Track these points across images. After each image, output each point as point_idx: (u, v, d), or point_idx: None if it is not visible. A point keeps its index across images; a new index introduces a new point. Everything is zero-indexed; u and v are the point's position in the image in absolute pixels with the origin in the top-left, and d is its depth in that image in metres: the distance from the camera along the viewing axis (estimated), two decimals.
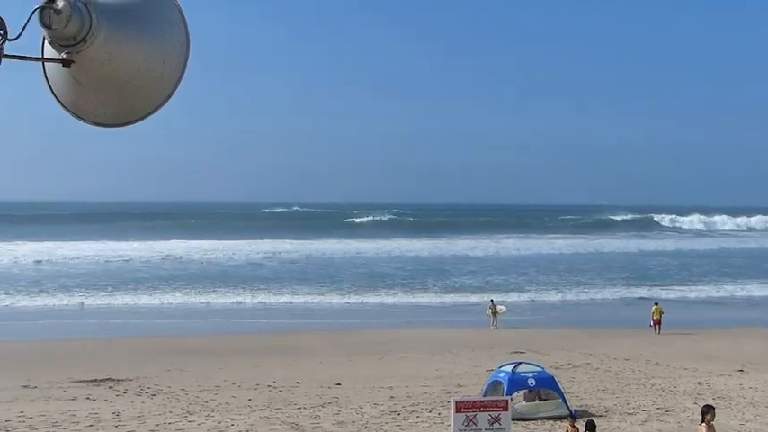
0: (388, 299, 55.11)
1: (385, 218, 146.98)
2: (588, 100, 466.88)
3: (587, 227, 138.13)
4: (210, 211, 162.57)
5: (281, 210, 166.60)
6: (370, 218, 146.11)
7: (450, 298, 55.80)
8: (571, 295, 57.62)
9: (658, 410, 24.72)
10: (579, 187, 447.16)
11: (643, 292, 58.47)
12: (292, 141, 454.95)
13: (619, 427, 22.82)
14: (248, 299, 54.08)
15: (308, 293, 56.50)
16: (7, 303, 50.35)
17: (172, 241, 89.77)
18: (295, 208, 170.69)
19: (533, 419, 23.45)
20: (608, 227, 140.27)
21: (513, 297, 55.21)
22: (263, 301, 53.74)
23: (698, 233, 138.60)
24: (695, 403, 24.57)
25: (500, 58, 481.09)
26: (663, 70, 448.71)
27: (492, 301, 46.73)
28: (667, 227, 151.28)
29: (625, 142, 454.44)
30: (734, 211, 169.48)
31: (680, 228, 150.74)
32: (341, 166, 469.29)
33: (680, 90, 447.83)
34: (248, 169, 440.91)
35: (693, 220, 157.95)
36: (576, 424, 19.84)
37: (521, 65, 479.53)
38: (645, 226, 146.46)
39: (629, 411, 24.63)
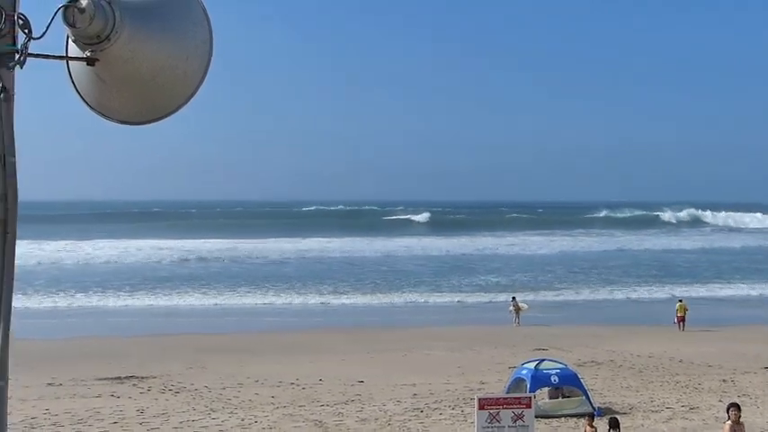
0: (411, 296, 55.00)
1: (409, 216, 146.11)
2: (592, 100, 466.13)
3: (612, 224, 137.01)
4: (235, 210, 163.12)
5: (301, 209, 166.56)
6: (392, 216, 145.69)
7: (474, 296, 55.55)
8: (595, 293, 57.22)
9: (683, 408, 24.58)
10: (582, 186, 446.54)
11: (670, 289, 57.82)
12: (295, 142, 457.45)
13: (643, 425, 22.71)
14: (271, 297, 54.12)
15: (331, 292, 56.52)
16: (29, 302, 50.54)
17: (195, 240, 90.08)
18: (314, 207, 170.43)
19: (557, 417, 23.39)
20: (642, 223, 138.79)
21: (538, 295, 54.97)
22: (287, 298, 53.76)
23: (730, 230, 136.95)
24: (720, 401, 24.42)
25: (504, 57, 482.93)
26: (665, 69, 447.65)
27: (514, 298, 46.64)
28: (700, 223, 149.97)
29: (627, 142, 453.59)
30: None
31: (711, 224, 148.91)
32: (346, 167, 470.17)
33: (684, 89, 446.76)
34: (256, 169, 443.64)
35: (724, 217, 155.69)
36: (593, 423, 19.47)
37: (524, 64, 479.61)
38: (674, 222, 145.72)
39: (653, 409, 24.51)
